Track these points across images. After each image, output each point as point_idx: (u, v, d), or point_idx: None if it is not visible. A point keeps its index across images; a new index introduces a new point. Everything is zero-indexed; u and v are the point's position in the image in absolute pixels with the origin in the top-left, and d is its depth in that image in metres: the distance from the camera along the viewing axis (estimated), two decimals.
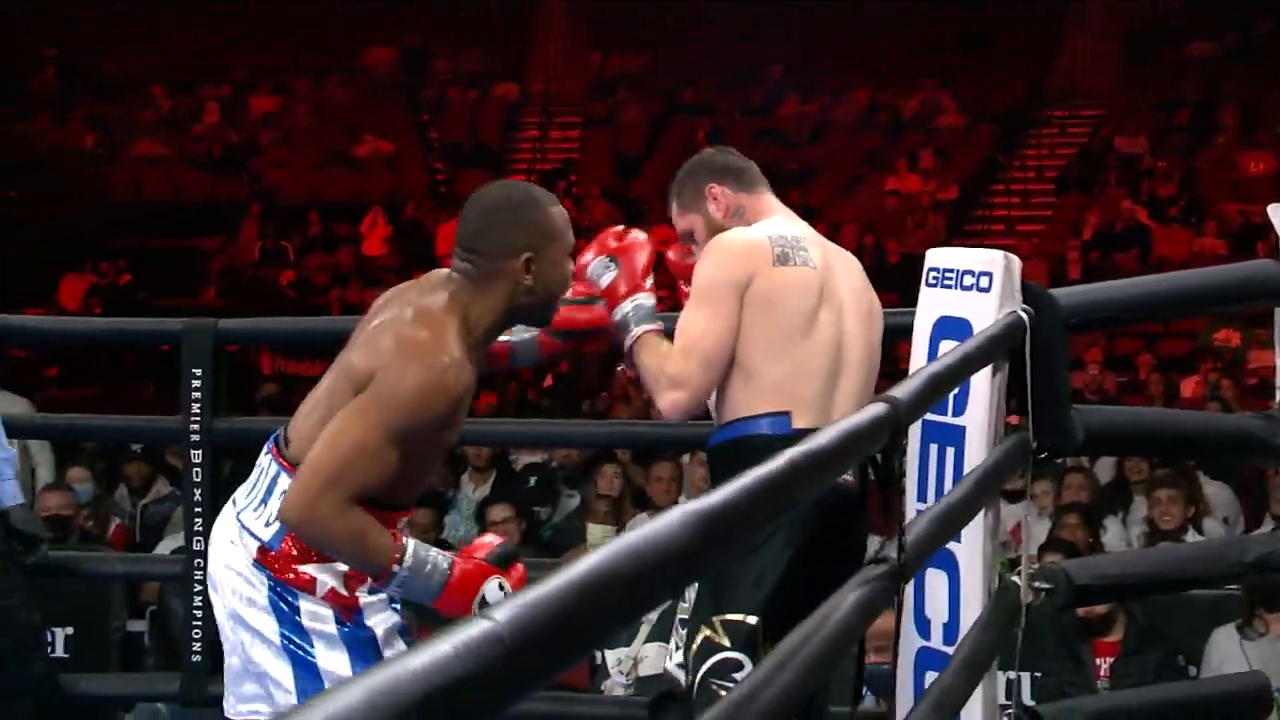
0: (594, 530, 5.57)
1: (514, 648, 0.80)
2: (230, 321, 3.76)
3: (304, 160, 15.59)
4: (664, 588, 1.02)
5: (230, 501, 2.45)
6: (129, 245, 13.51)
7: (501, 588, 2.28)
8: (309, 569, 2.31)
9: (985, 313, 2.70)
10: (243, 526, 2.37)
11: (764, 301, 2.54)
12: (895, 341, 3.05)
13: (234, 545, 2.38)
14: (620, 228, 2.72)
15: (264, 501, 2.35)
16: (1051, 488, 5.92)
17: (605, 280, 2.62)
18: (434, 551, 2.27)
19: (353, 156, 15.62)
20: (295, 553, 2.32)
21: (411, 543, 2.25)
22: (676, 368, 2.51)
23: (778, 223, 2.73)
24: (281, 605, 2.32)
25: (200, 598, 3.59)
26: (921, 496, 2.72)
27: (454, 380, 2.20)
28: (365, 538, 2.21)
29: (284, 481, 2.32)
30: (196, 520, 3.63)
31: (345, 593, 2.33)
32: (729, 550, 1.15)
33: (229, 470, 3.73)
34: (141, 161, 15.06)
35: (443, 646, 0.77)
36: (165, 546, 5.32)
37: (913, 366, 2.86)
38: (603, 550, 0.94)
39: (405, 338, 2.23)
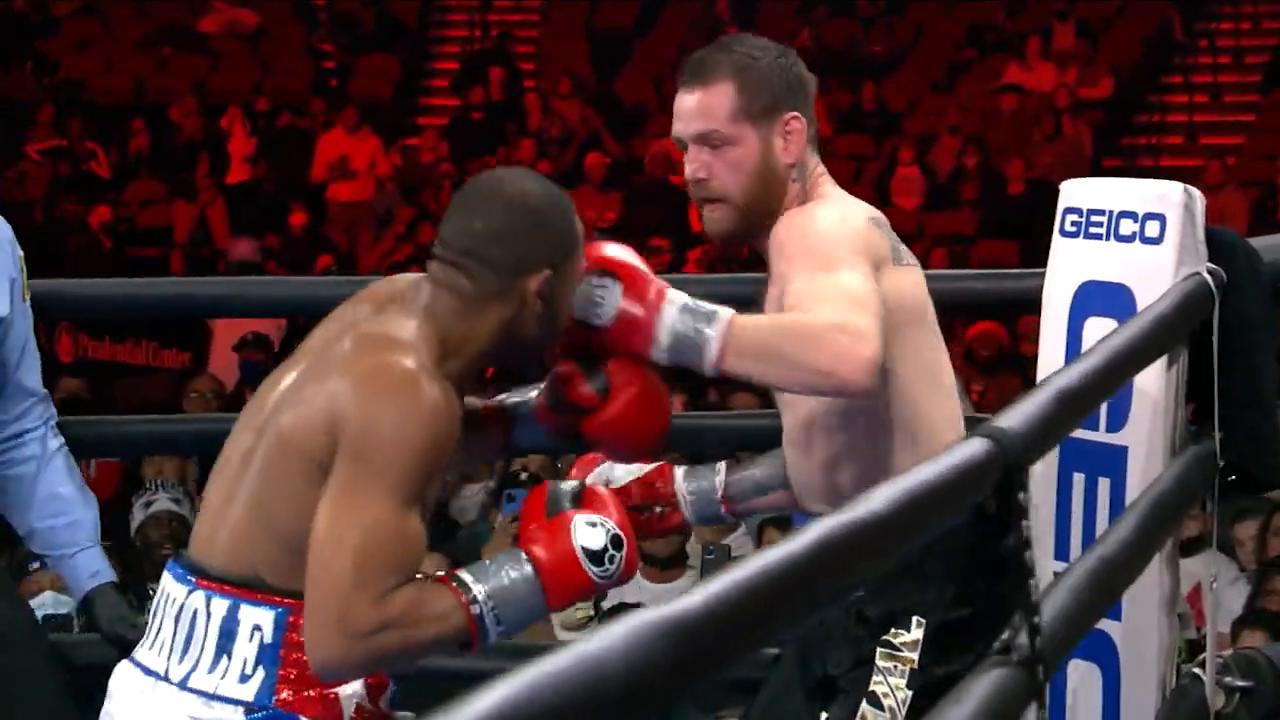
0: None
1: None
2: None
3: (122, 39, 15.58)
4: None
5: (133, 668, 2.56)
6: None
7: (595, 524, 2.47)
8: (331, 690, 2.49)
9: (1155, 276, 2.71)
10: (201, 696, 2.49)
11: (900, 310, 2.68)
12: (1016, 316, 3.06)
13: None
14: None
15: (223, 652, 2.49)
16: (1253, 533, 5.91)
17: (610, 301, 2.58)
18: (492, 563, 2.45)
19: (196, 33, 15.61)
20: (299, 680, 2.47)
21: (461, 574, 2.43)
22: (848, 318, 2.54)
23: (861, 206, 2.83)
24: None
25: None
26: (1062, 553, 2.73)
27: (446, 407, 2.42)
28: (424, 622, 2.39)
29: (249, 615, 2.48)
30: None
31: (371, 706, 2.54)
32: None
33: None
34: None
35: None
36: None
37: (1043, 359, 2.86)
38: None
39: (364, 373, 2.44)
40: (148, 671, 2.54)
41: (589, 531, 2.45)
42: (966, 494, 1.74)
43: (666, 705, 1.16)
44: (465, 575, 2.42)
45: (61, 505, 3.38)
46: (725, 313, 2.54)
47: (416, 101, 15.57)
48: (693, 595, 1.21)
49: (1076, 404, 2.09)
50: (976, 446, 1.76)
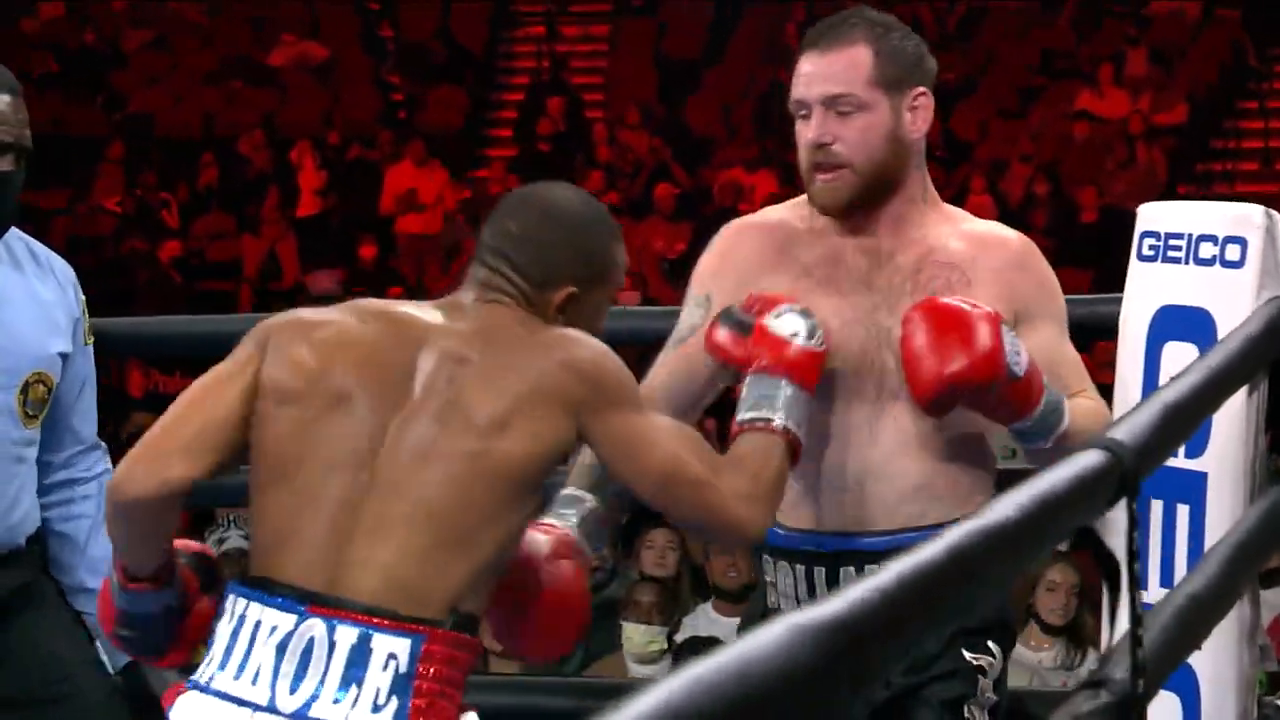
0: (632, 633, 5.56)
1: None
2: None
3: (191, 73, 15.69)
4: None
5: (214, 699, 2.50)
6: None
7: (779, 315, 2.69)
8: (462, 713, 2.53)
9: (1236, 299, 2.70)
10: None
11: None
12: (1091, 342, 3.04)
13: None
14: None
15: (351, 681, 2.46)
16: None
17: (1024, 359, 2.70)
18: (751, 395, 2.65)
19: (265, 66, 15.71)
20: (431, 709, 2.46)
21: (754, 416, 2.63)
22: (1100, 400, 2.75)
23: None
24: None
25: None
26: (1140, 581, 2.70)
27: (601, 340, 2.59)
28: (765, 460, 2.59)
29: (383, 643, 2.45)
30: None
31: None
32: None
33: None
34: None
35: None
36: None
37: (1120, 383, 2.85)
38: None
39: (552, 357, 2.51)
40: (240, 702, 2.49)
41: (779, 323, 2.67)
42: (1085, 504, 1.75)
43: (820, 711, 1.23)
44: (755, 415, 2.62)
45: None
46: (1066, 408, 2.64)
47: (484, 133, 15.61)
48: (834, 601, 1.28)
49: (1184, 418, 2.10)
50: (1094, 458, 1.76)
